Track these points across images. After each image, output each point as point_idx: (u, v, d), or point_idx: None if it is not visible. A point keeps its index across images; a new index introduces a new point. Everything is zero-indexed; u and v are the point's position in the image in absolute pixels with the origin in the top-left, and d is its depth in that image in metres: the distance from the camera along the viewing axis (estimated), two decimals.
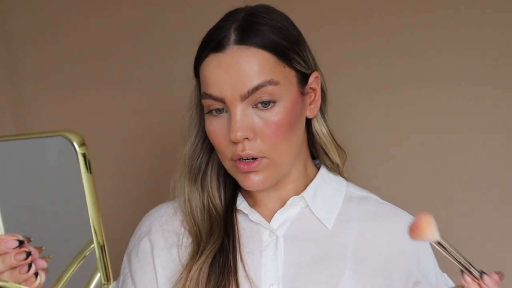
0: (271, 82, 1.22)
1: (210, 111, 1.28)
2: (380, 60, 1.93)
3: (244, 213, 1.37)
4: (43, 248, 0.90)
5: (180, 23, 2.05)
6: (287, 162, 1.30)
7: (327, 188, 1.39)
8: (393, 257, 1.31)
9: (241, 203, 1.39)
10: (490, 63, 1.86)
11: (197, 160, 1.40)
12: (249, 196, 1.40)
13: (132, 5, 2.09)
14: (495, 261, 1.86)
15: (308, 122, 1.37)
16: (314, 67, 1.35)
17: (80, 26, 2.12)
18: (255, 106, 1.23)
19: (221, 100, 1.24)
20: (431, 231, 1.03)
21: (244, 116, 1.23)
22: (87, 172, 0.82)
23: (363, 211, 1.37)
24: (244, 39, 1.23)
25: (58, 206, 0.88)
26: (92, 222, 0.83)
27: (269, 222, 1.35)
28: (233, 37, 1.24)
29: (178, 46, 2.01)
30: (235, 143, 1.24)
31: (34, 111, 2.12)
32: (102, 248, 0.85)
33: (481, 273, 1.03)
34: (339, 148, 1.41)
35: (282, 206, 1.36)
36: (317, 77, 1.33)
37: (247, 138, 1.23)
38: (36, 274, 0.89)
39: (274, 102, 1.23)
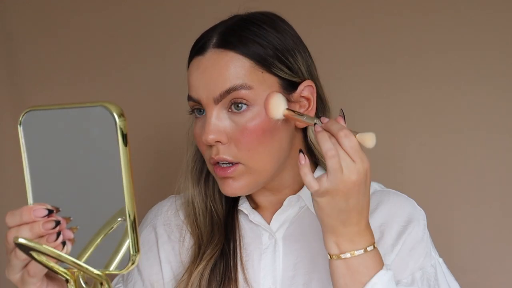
0: (243, 87, 1.22)
1: (193, 111, 1.29)
2: (380, 60, 1.94)
3: (245, 213, 1.37)
4: (71, 218, 0.90)
5: (181, 23, 2.05)
6: (266, 170, 1.28)
7: None
8: (392, 239, 1.31)
9: (243, 203, 1.38)
10: (490, 63, 1.87)
11: (199, 163, 1.40)
12: (250, 198, 1.40)
13: (132, 5, 2.09)
14: (496, 261, 1.87)
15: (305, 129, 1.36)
16: (308, 76, 1.32)
17: (80, 26, 2.12)
18: (230, 110, 1.23)
19: (199, 102, 1.25)
20: (277, 104, 1.20)
21: (217, 119, 1.23)
22: (124, 143, 0.82)
23: None
24: (222, 44, 1.24)
25: (89, 177, 0.88)
26: (126, 193, 0.83)
27: (269, 223, 1.35)
28: (214, 40, 1.25)
29: (178, 46, 1.99)
30: (210, 146, 1.24)
31: None
32: (133, 219, 0.85)
33: (318, 118, 1.15)
34: None
35: None
36: (309, 85, 1.30)
37: (220, 141, 1.23)
38: (63, 243, 0.89)
39: (247, 106, 1.23)
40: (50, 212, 0.89)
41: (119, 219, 0.86)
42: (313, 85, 1.31)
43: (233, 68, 1.22)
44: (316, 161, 1.41)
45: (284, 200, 1.36)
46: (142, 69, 2.08)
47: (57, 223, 0.88)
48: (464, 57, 1.89)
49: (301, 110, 1.30)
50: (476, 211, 1.89)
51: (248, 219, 1.36)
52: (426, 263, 1.31)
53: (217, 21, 1.31)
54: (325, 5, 1.97)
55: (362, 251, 1.14)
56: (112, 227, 0.87)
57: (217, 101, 1.22)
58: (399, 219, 1.33)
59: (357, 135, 1.09)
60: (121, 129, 0.82)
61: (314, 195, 1.12)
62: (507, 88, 1.87)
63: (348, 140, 1.08)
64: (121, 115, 0.82)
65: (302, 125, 1.32)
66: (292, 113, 1.20)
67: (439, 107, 1.91)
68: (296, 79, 1.29)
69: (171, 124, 2.01)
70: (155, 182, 2.05)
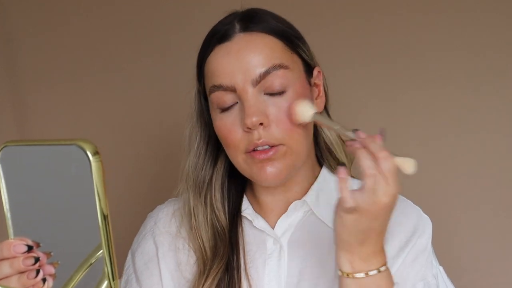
0: (281, 66, 1.21)
1: (219, 108, 1.26)
2: (381, 60, 1.93)
3: (249, 219, 1.36)
4: (52, 253, 0.90)
5: (181, 23, 2.05)
6: (303, 151, 1.27)
7: (329, 189, 1.35)
8: (395, 251, 1.29)
9: (246, 209, 1.37)
10: (491, 63, 1.86)
11: (201, 171, 1.38)
12: (255, 201, 1.38)
13: (132, 4, 2.09)
14: (495, 261, 1.87)
15: None
16: (316, 63, 1.34)
17: (80, 26, 2.12)
18: (266, 93, 1.22)
19: (232, 89, 1.22)
20: (304, 109, 1.19)
21: (257, 101, 1.21)
22: (100, 181, 0.82)
23: None
24: (249, 26, 1.23)
25: (68, 213, 0.88)
26: (103, 231, 0.84)
27: (273, 228, 1.34)
28: (237, 26, 1.24)
29: (179, 46, 2.01)
30: (249, 132, 1.22)
31: (34, 111, 2.12)
32: (111, 258, 0.85)
33: (354, 131, 1.10)
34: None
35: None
36: (319, 72, 1.33)
37: (261, 124, 1.21)
38: (43, 279, 0.89)
39: (285, 90, 1.22)
40: (30, 247, 0.89)
41: (100, 252, 0.86)
42: (321, 71, 1.33)
43: (268, 49, 1.22)
44: (322, 161, 1.41)
45: (291, 200, 1.34)
46: (143, 69, 2.08)
47: (37, 259, 0.89)
48: (464, 57, 1.88)
49: (315, 96, 1.32)
50: (476, 211, 1.89)
51: (252, 225, 1.35)
52: (428, 273, 1.29)
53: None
54: (325, 5, 1.96)
55: (376, 271, 1.11)
56: (91, 263, 0.87)
57: (256, 82, 1.21)
58: (403, 229, 1.31)
59: (396, 159, 1.06)
60: (96, 167, 0.82)
61: (341, 210, 1.09)
62: (508, 88, 1.86)
63: (388, 163, 1.04)
64: (95, 153, 0.82)
65: (319, 110, 1.31)
66: (323, 118, 1.19)
67: (440, 107, 1.90)
68: (311, 63, 1.31)
69: (172, 124, 2.01)
70: (156, 181, 2.05)
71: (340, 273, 1.13)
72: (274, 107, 1.22)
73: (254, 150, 1.23)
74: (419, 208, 1.36)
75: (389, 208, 1.07)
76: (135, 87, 2.09)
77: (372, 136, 1.08)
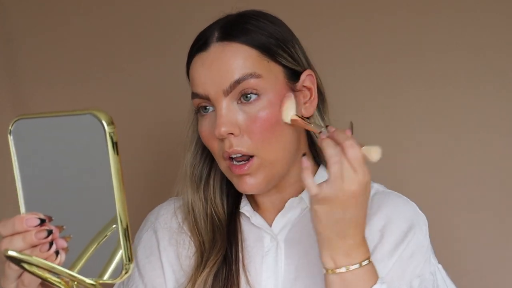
0: (253, 75, 1.22)
1: (198, 111, 1.29)
2: (381, 60, 1.93)
3: (246, 216, 1.37)
4: (64, 227, 0.89)
5: (179, 23, 2.05)
6: (280, 161, 1.27)
7: None
8: (391, 247, 1.29)
9: (244, 206, 1.38)
10: (490, 63, 1.87)
11: (198, 169, 1.40)
12: (253, 200, 1.39)
13: (132, 4, 2.10)
14: (495, 261, 1.87)
15: None
16: (307, 66, 1.33)
17: (80, 26, 2.12)
18: (239, 101, 1.23)
19: (206, 98, 1.24)
20: (285, 112, 1.24)
21: (228, 111, 1.22)
22: (114, 150, 0.81)
23: None
24: (225, 36, 1.24)
25: (81, 185, 0.87)
26: (117, 200, 0.83)
27: (271, 225, 1.35)
28: (216, 35, 1.25)
29: (179, 46, 1.98)
30: (222, 140, 1.23)
31: (34, 111, 2.09)
32: (125, 227, 0.84)
33: (326, 126, 1.17)
34: None
35: None
36: (310, 75, 1.31)
37: (232, 133, 1.22)
38: (56, 253, 0.89)
39: (257, 95, 1.23)
40: (43, 221, 0.88)
41: (114, 226, 0.85)
42: (313, 74, 1.32)
43: (240, 59, 1.22)
44: (319, 161, 1.41)
45: (286, 200, 1.35)
46: (143, 69, 2.08)
47: (50, 232, 0.88)
48: (464, 57, 1.88)
49: (304, 100, 1.31)
50: (476, 211, 1.89)
51: (250, 222, 1.36)
52: (425, 270, 1.29)
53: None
54: (325, 5, 1.97)
55: (357, 265, 1.14)
56: (106, 235, 0.87)
57: (226, 93, 1.22)
58: (400, 223, 1.31)
59: (362, 148, 1.09)
60: (110, 137, 0.81)
61: (313, 202, 1.12)
62: (508, 88, 1.86)
63: (354, 151, 1.08)
64: (110, 122, 0.82)
65: (308, 115, 1.32)
66: (300, 119, 1.22)
67: (440, 107, 1.90)
68: (298, 68, 1.30)
69: (172, 124, 2.01)
70: (156, 182, 2.04)
71: (324, 271, 1.17)
72: (246, 116, 1.23)
73: (230, 158, 1.25)
74: (414, 205, 1.37)
75: (359, 197, 1.11)
76: (135, 87, 2.09)
77: (341, 130, 1.12)
